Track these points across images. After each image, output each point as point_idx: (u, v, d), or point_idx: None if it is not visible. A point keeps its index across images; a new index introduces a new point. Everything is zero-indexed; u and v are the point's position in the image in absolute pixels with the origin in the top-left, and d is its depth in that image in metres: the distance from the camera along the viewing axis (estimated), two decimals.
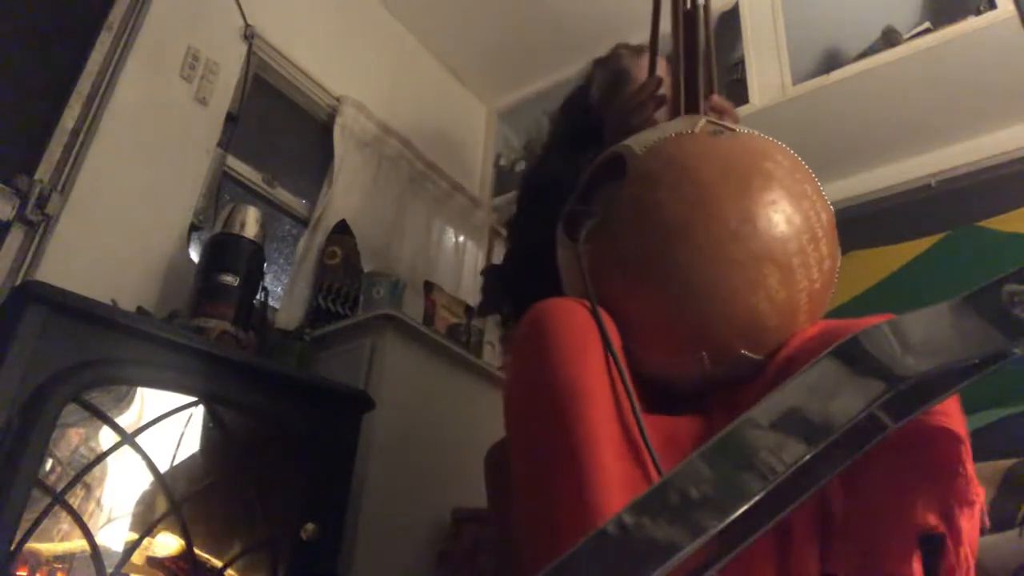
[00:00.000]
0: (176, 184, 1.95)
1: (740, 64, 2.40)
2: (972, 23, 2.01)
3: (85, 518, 1.19)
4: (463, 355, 2.04)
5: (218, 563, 1.36)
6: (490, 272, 2.12)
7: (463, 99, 3.15)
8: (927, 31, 2.13)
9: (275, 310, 2.08)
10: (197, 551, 1.32)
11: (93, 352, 1.21)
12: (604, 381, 0.74)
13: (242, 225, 1.76)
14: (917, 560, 0.67)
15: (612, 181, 0.92)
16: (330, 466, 1.49)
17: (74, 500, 1.20)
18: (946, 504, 0.67)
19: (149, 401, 1.35)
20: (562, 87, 1.80)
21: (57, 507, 1.14)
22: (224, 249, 1.74)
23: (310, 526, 1.38)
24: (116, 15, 1.91)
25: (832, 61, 2.43)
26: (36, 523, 1.11)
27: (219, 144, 2.09)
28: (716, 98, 1.10)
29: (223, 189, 2.12)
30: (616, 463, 0.70)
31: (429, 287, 2.31)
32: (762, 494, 0.39)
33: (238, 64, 2.20)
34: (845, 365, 0.43)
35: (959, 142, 2.28)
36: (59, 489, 1.16)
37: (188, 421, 1.43)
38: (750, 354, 0.81)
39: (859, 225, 2.32)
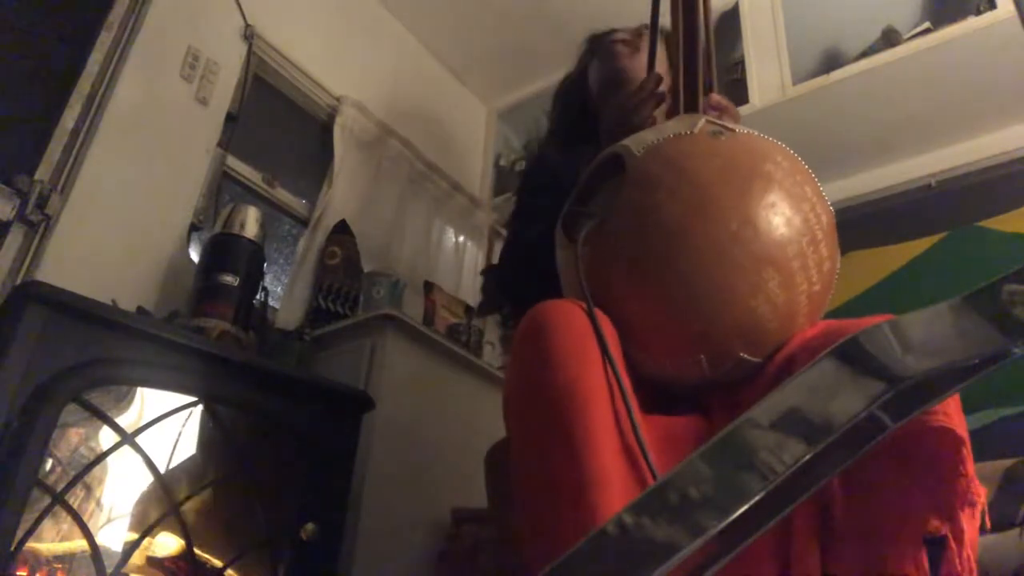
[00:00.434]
0: (176, 184, 1.95)
1: (740, 64, 2.40)
2: (972, 23, 2.01)
3: (85, 518, 1.19)
4: (463, 355, 2.04)
5: (218, 563, 1.36)
6: (490, 272, 2.12)
7: (463, 99, 3.15)
8: (927, 31, 2.13)
9: (275, 310, 2.08)
10: (197, 551, 1.32)
11: (93, 352, 1.21)
12: (603, 383, 0.74)
13: (242, 225, 1.76)
14: (920, 561, 0.67)
15: (611, 182, 0.92)
16: (330, 466, 1.49)
17: (74, 500, 1.20)
18: (948, 505, 0.67)
19: (149, 401, 1.35)
20: None
21: (57, 507, 1.15)
22: (224, 249, 1.74)
23: (310, 526, 1.38)
24: (116, 15, 1.91)
25: (832, 61, 2.43)
26: (36, 523, 1.11)
27: (219, 144, 2.09)
28: (715, 96, 1.09)
29: (223, 189, 2.12)
30: (616, 464, 0.70)
31: (429, 287, 2.31)
32: (762, 494, 0.39)
33: (238, 64, 2.20)
34: (845, 365, 0.43)
35: (959, 142, 2.29)
36: (59, 489, 1.16)
37: (187, 421, 1.43)
38: (749, 357, 0.81)
39: (859, 225, 2.32)
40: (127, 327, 1.28)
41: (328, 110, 2.48)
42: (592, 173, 0.96)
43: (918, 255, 2.22)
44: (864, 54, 2.24)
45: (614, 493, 0.67)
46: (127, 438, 1.24)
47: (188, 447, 1.44)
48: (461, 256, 2.81)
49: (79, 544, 1.20)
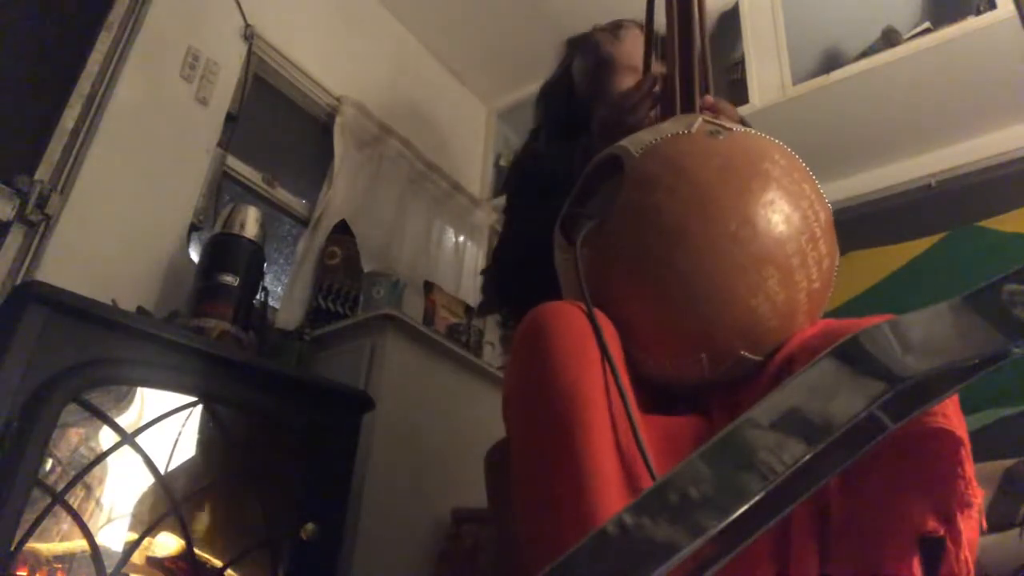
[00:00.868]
0: (176, 184, 1.95)
1: (740, 64, 2.40)
2: (972, 23, 2.02)
3: (85, 518, 1.19)
4: (463, 355, 2.04)
5: (218, 563, 1.36)
6: (490, 272, 2.11)
7: (463, 99, 3.15)
8: (927, 31, 2.13)
9: (275, 310, 2.08)
10: (197, 551, 1.32)
11: (93, 352, 1.21)
12: (602, 384, 0.74)
13: (242, 225, 1.76)
14: (916, 562, 0.67)
15: (609, 183, 0.91)
16: (330, 466, 1.49)
17: (74, 500, 1.20)
18: (946, 506, 0.67)
19: (149, 401, 1.35)
20: None
21: (57, 507, 1.15)
22: (224, 249, 1.74)
23: (310, 526, 1.38)
24: (116, 15, 1.91)
25: (832, 61, 2.43)
26: (36, 523, 1.11)
27: (219, 144, 2.09)
28: (709, 98, 1.09)
29: (223, 189, 2.12)
30: (615, 464, 0.70)
31: (429, 287, 2.31)
32: (762, 494, 0.39)
33: (238, 64, 2.20)
34: (845, 365, 0.43)
35: (959, 142, 2.29)
36: (59, 489, 1.16)
37: (187, 421, 1.43)
38: (750, 355, 0.81)
39: (859, 225, 2.32)
40: (127, 327, 1.28)
41: (328, 110, 2.48)
42: (590, 174, 0.96)
43: (918, 255, 2.22)
44: (864, 54, 2.25)
45: (614, 493, 0.67)
46: (127, 438, 1.24)
47: (188, 447, 1.44)
48: (461, 256, 2.81)
49: (79, 544, 1.20)
